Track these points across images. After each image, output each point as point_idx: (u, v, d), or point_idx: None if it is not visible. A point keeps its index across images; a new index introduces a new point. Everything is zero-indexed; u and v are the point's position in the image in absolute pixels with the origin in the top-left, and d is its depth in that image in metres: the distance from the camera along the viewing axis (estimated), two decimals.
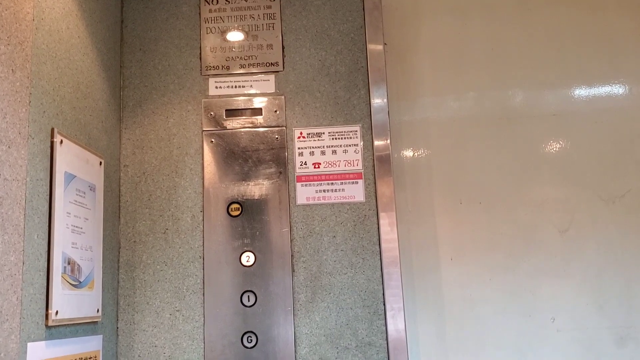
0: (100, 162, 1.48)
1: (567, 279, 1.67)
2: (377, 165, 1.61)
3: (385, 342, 1.53)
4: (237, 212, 1.61)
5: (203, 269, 1.58)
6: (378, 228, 1.59)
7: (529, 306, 1.66)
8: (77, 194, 1.33)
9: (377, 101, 1.64)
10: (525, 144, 1.76)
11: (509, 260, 1.68)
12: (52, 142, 1.25)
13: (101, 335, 1.45)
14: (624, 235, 1.71)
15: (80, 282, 1.32)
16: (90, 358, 1.37)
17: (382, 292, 1.56)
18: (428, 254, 1.70)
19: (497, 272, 1.68)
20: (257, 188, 1.62)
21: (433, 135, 1.78)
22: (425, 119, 1.80)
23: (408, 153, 1.77)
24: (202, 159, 1.64)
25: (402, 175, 1.74)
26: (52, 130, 1.26)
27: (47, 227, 1.21)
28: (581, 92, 1.79)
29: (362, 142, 1.63)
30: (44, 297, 1.18)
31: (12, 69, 1.14)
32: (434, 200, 1.73)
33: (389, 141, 1.62)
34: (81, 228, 1.34)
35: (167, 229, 1.61)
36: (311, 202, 1.61)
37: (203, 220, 1.61)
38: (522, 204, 1.72)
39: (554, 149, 1.75)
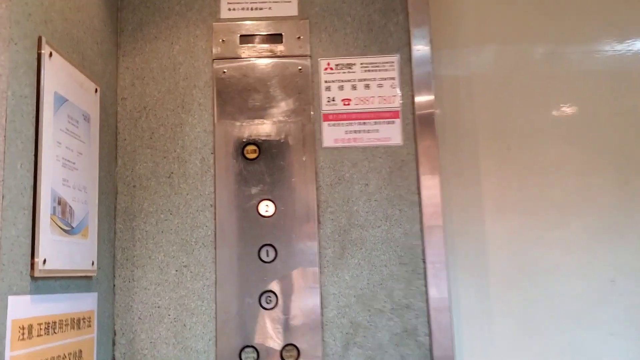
0: (96, 89, 1.24)
1: (630, 237, 1.47)
2: (418, 101, 1.39)
3: (426, 304, 1.33)
4: (254, 155, 1.38)
5: (215, 219, 1.36)
6: (417, 175, 1.37)
7: (585, 267, 1.46)
8: (69, 122, 1.10)
9: (418, 28, 1.41)
10: (583, 84, 1.54)
11: (563, 214, 1.48)
12: (39, 54, 1.01)
13: (96, 293, 1.23)
14: None
15: (72, 228, 1.09)
16: (83, 319, 1.15)
17: (421, 247, 1.35)
18: (471, 207, 1.50)
19: (548, 228, 1.48)
20: (277, 127, 1.39)
21: (475, 69, 1.56)
22: (468, 62, 1.57)
23: (449, 91, 1.55)
24: (213, 93, 1.41)
25: (442, 114, 1.52)
26: (40, 38, 1.01)
27: (34, 157, 0.98)
28: None
29: (400, 76, 1.41)
30: (29, 241, 0.95)
31: None
32: (478, 145, 1.52)
33: (430, 70, 1.39)
34: (74, 163, 1.11)
35: (172, 173, 1.39)
36: (340, 144, 1.39)
37: (214, 163, 1.38)
38: (578, 150, 1.51)
39: (615, 88, 1.54)
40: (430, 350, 1.31)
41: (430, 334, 1.32)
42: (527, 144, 1.51)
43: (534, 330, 1.46)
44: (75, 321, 1.11)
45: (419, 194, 1.37)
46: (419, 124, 1.38)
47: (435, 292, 1.33)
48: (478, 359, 1.45)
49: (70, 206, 1.08)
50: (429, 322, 1.33)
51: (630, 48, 1.55)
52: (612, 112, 1.53)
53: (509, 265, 1.47)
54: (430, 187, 1.36)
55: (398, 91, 1.40)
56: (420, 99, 1.39)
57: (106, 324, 1.29)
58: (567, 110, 1.53)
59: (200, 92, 1.41)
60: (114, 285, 1.34)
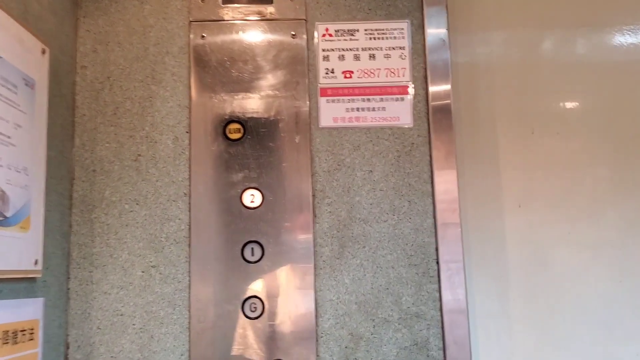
0: (44, 50, 1.02)
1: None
2: (431, 74, 1.18)
3: (439, 313, 1.12)
4: (238, 135, 1.17)
5: (189, 211, 1.14)
6: (430, 161, 1.17)
7: (619, 268, 1.27)
8: (2, 85, 0.88)
9: None
10: (617, 69, 1.34)
11: (594, 207, 1.28)
12: None
13: (42, 299, 1.00)
14: None
15: (6, 218, 0.87)
16: (22, 331, 0.92)
17: (434, 246, 1.14)
18: (489, 200, 1.29)
19: (578, 223, 1.28)
20: (266, 103, 1.18)
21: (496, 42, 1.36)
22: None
23: (464, 67, 1.34)
24: (190, 61, 1.19)
25: (456, 98, 1.32)
26: None
27: None
28: None
29: (410, 44, 1.20)
30: None
31: None
32: (497, 129, 1.31)
33: (446, 39, 1.19)
34: (9, 137, 0.89)
35: (139, 155, 1.17)
36: (340, 124, 1.18)
37: (190, 144, 1.17)
38: (611, 136, 1.31)
39: None
40: None
41: (444, 348, 1.12)
42: (553, 129, 1.31)
43: (561, 343, 1.26)
44: (9, 334, 0.89)
45: (432, 183, 1.16)
46: (434, 100, 1.18)
47: (450, 298, 1.13)
48: None
49: (2, 190, 0.86)
50: (442, 334, 1.12)
51: None
52: None
53: (532, 267, 1.27)
54: (445, 175, 1.16)
55: (408, 63, 1.19)
56: (434, 71, 1.18)
57: (56, 336, 1.07)
58: (599, 96, 1.33)
59: (175, 60, 1.19)
60: (68, 289, 1.12)
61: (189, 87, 1.18)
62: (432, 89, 1.18)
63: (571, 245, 1.27)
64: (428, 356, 1.12)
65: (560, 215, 1.28)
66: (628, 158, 1.30)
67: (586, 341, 1.26)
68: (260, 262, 1.13)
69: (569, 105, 1.32)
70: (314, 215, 1.15)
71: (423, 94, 1.19)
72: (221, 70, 1.19)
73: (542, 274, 1.27)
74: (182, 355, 1.11)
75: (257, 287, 1.12)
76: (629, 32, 1.35)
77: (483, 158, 1.31)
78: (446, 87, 1.18)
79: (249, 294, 1.12)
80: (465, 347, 1.12)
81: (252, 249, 1.13)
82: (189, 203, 1.15)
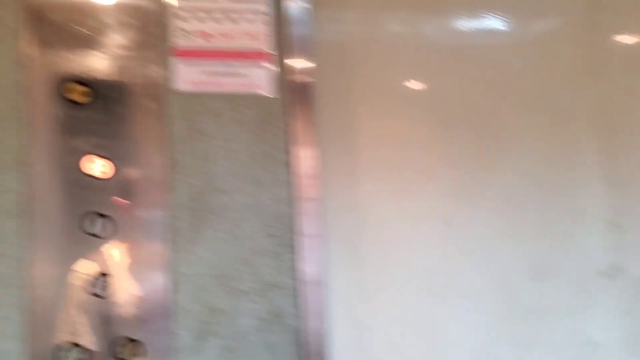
0: None
1: (483, 205, 1.39)
2: (294, 43, 1.16)
3: (297, 283, 1.13)
4: (84, 99, 1.06)
5: (27, 182, 1.02)
6: (291, 132, 1.15)
7: (438, 235, 1.37)
8: None
9: None
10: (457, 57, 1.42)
11: (420, 178, 1.36)
12: None
13: None
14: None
15: None
16: None
17: (294, 217, 1.14)
18: (346, 174, 1.32)
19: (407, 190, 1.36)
20: (116, 64, 1.07)
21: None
22: None
23: (325, 42, 1.33)
24: (23, 11, 1.04)
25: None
26: None
27: None
28: None
29: (273, 10, 1.16)
30: None
31: None
32: (355, 105, 1.33)
33: (310, 9, 1.17)
34: None
35: None
36: (199, 88, 1.12)
37: (25, 107, 1.03)
38: (466, 114, 1.39)
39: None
40: (300, 335, 1.13)
41: (301, 318, 1.13)
42: (407, 109, 1.36)
43: (407, 315, 1.34)
44: None
45: (292, 154, 1.15)
46: (295, 72, 1.16)
47: (308, 269, 1.14)
48: (351, 342, 1.31)
49: None
50: (300, 304, 1.13)
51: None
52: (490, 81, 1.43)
53: (383, 241, 1.33)
54: (306, 147, 1.15)
55: (270, 29, 1.16)
56: (297, 40, 1.16)
57: None
58: (451, 78, 1.40)
59: (4, 9, 1.04)
60: None
61: (22, 41, 1.04)
62: (295, 59, 1.16)
63: (410, 218, 1.35)
64: (284, 324, 1.13)
65: (393, 188, 1.35)
66: (483, 140, 1.39)
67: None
68: (110, 236, 1.05)
69: (420, 86, 1.38)
70: (170, 186, 1.09)
71: (285, 63, 1.16)
72: (62, 24, 1.05)
73: (392, 247, 1.34)
74: (18, 339, 1.00)
75: (105, 263, 1.04)
76: (484, 17, 1.43)
77: (340, 133, 1.33)
78: (308, 58, 1.16)
79: (96, 270, 1.04)
80: (321, 318, 1.14)
81: (101, 222, 1.05)
82: (27, 172, 1.02)
